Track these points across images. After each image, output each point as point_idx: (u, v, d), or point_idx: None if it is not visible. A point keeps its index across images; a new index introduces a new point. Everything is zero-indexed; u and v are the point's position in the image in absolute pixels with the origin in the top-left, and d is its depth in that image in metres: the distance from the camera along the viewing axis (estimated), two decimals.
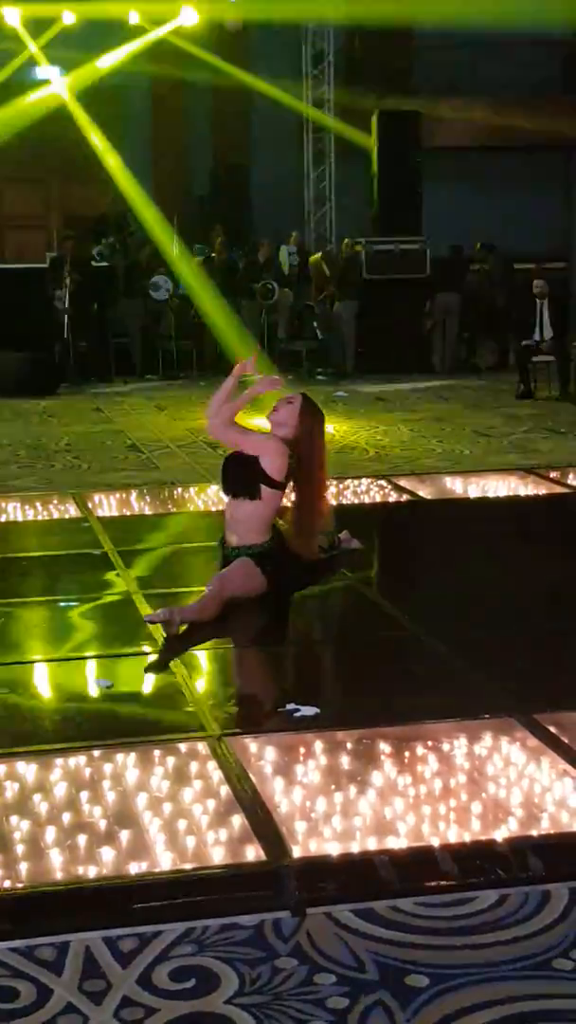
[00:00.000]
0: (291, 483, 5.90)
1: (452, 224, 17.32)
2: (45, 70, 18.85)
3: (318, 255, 16.79)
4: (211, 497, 8.17)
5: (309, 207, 19.12)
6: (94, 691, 4.89)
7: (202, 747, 4.22)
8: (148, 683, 5.05)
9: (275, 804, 3.80)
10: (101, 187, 19.13)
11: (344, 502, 8.14)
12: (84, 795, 3.86)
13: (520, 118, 20.27)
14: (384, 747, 4.17)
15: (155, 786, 3.93)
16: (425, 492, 8.52)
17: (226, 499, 5.99)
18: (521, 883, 3.40)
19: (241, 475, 5.83)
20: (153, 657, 5.25)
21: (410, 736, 4.25)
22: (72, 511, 8.00)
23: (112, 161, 17.50)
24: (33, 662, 5.25)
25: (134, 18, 17.82)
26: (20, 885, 3.38)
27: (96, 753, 4.17)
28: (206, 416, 6.07)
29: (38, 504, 8.18)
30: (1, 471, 9.70)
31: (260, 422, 6.23)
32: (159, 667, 5.14)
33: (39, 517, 7.91)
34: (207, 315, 15.63)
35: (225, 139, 20.30)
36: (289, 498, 5.96)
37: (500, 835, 3.60)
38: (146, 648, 5.35)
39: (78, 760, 4.12)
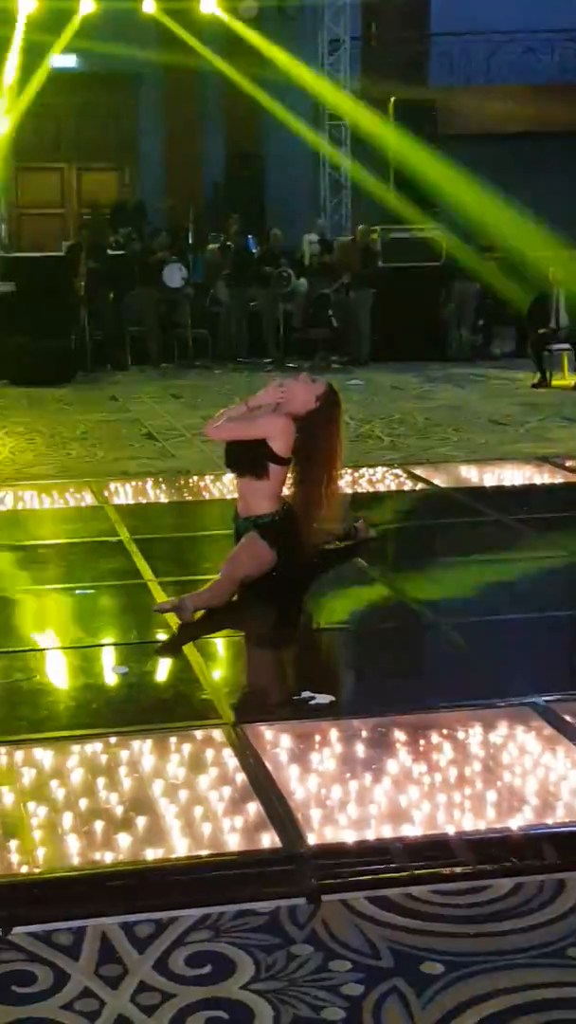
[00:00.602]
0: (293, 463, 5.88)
1: (469, 212, 17.25)
2: (63, 58, 18.84)
3: (347, 239, 16.74)
4: (227, 485, 8.16)
5: (325, 195, 19.08)
6: (110, 678, 4.91)
7: (218, 734, 4.23)
8: (164, 670, 5.07)
9: (290, 791, 3.81)
10: (118, 175, 19.17)
11: (359, 490, 8.14)
12: (100, 781, 3.88)
13: (537, 106, 20.21)
14: (399, 735, 4.18)
15: (171, 773, 3.94)
16: (441, 481, 8.52)
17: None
18: (536, 871, 3.40)
19: (246, 456, 5.83)
20: (169, 644, 5.26)
21: (425, 724, 4.26)
22: (88, 499, 8.01)
23: None
24: (50, 649, 5.27)
25: (149, 7, 17.77)
26: (37, 870, 3.40)
27: (112, 740, 4.19)
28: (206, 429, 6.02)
29: (54, 492, 8.19)
30: (18, 459, 9.72)
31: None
32: (174, 654, 5.16)
33: (55, 505, 7.93)
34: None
35: (240, 127, 20.27)
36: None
37: (515, 823, 3.60)
38: (162, 635, 5.36)
39: (94, 747, 4.14)
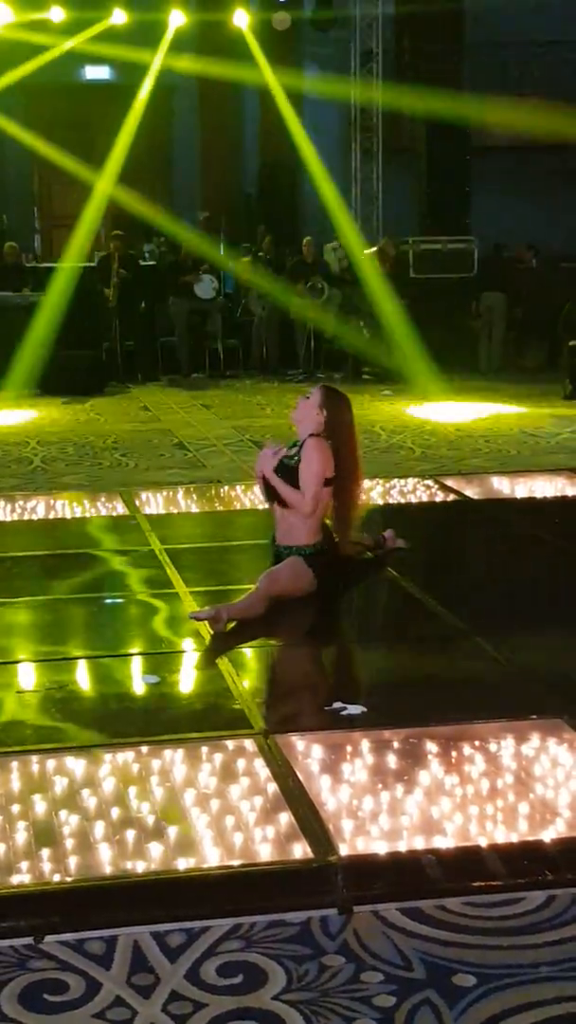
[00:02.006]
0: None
1: (500, 224, 17.25)
2: (96, 70, 18.91)
3: (373, 249, 16.73)
4: (257, 495, 8.16)
5: (356, 206, 19.07)
6: (141, 688, 4.92)
7: (249, 744, 4.23)
8: (195, 680, 5.08)
9: (322, 802, 3.81)
10: (150, 186, 19.18)
11: (391, 501, 8.14)
12: (132, 791, 3.89)
13: (570, 117, 20.15)
14: (431, 746, 4.17)
15: (203, 783, 3.95)
16: (472, 492, 8.50)
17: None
18: (569, 884, 3.39)
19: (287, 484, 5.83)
20: (200, 654, 5.27)
21: (457, 736, 4.25)
22: (120, 509, 8.04)
23: None
24: (81, 658, 5.28)
25: (179, 19, 17.81)
26: (69, 879, 3.41)
27: (144, 749, 4.19)
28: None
29: (86, 501, 8.23)
30: (49, 469, 9.77)
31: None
32: (206, 664, 5.16)
33: (87, 514, 7.96)
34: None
35: (273, 138, 20.29)
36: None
37: (548, 836, 3.59)
38: (193, 645, 5.37)
39: (126, 756, 4.15)
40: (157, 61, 17.76)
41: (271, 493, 5.93)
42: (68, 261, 16.29)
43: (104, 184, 17.28)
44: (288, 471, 5.85)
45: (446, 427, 11.58)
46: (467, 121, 17.38)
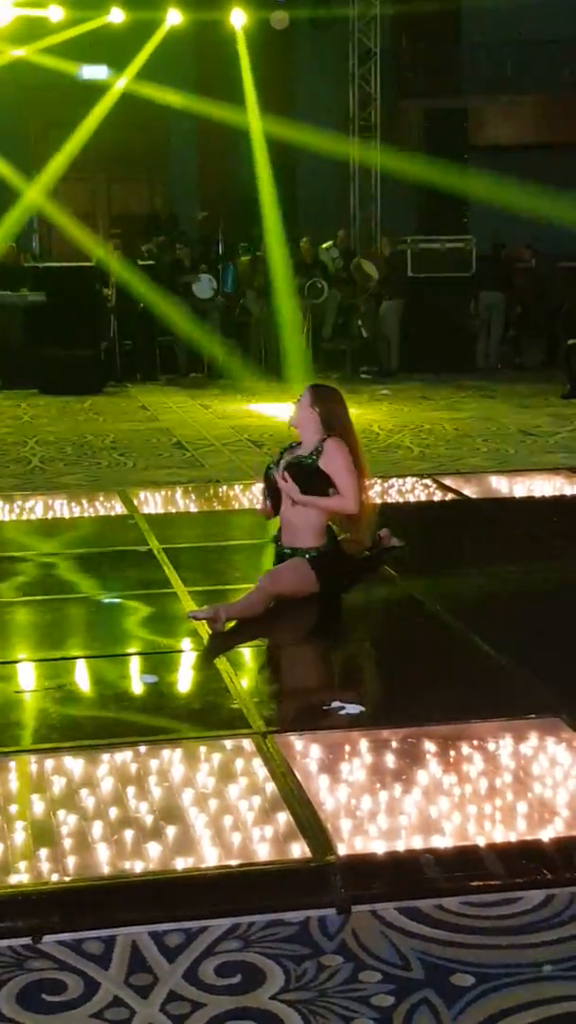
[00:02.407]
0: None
1: (499, 222, 17.25)
2: (92, 70, 18.90)
3: (358, 259, 16.75)
4: (256, 495, 8.18)
5: (355, 206, 19.09)
6: (139, 687, 4.91)
7: (247, 744, 4.23)
8: (193, 680, 5.08)
9: (320, 801, 3.80)
10: (148, 186, 19.23)
11: (389, 501, 8.14)
12: (130, 790, 3.89)
13: (567, 116, 20.17)
14: (429, 746, 4.17)
15: (201, 782, 3.95)
16: (470, 491, 8.50)
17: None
18: (567, 883, 3.39)
19: (311, 488, 5.82)
20: (199, 654, 5.27)
21: (455, 735, 4.25)
22: (118, 508, 8.04)
23: None
24: (79, 658, 5.28)
25: (175, 18, 17.80)
26: (68, 879, 3.40)
27: (142, 749, 4.19)
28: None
29: (84, 501, 8.23)
30: (48, 468, 9.76)
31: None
32: (205, 664, 5.16)
33: (85, 514, 7.96)
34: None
35: (270, 139, 20.31)
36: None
37: (546, 835, 3.59)
38: (191, 645, 5.37)
39: (124, 756, 4.15)
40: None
41: (276, 498, 5.90)
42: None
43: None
44: (306, 471, 5.83)
45: (444, 426, 11.57)
46: (465, 119, 17.39)
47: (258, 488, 8.03)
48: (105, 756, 4.14)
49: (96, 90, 19.13)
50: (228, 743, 4.24)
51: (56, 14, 17.11)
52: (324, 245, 17.09)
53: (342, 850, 3.52)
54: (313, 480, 5.80)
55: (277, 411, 12.08)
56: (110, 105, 18.10)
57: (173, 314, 15.63)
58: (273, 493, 5.97)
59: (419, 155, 17.23)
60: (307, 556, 5.82)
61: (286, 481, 5.79)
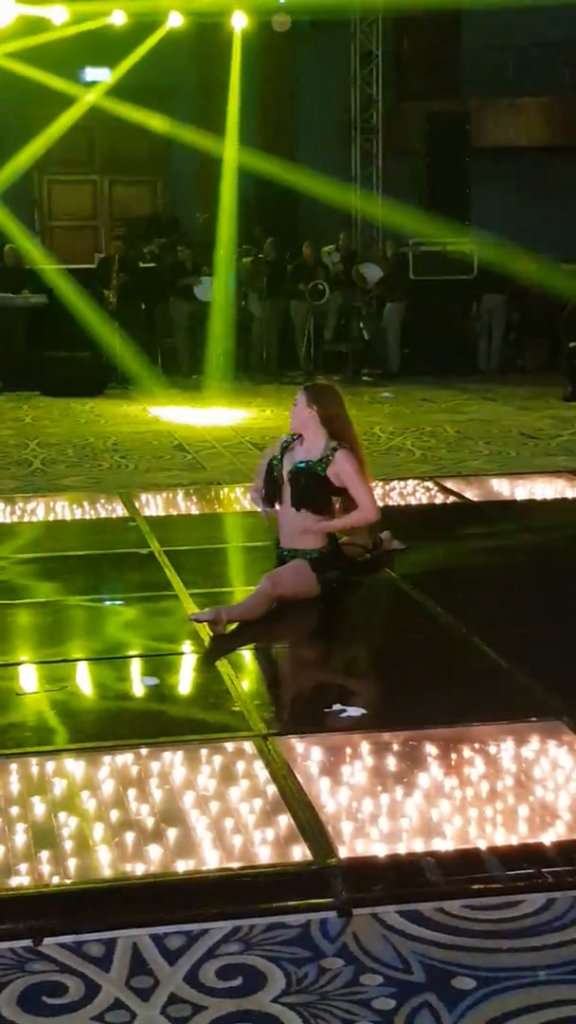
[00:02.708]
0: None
1: (500, 225, 17.24)
2: (94, 72, 18.91)
3: (358, 266, 16.75)
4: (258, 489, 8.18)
5: (357, 208, 19.07)
6: (140, 690, 4.91)
7: (248, 746, 4.23)
8: (195, 682, 5.08)
9: (321, 804, 3.80)
10: (150, 188, 19.23)
11: (390, 503, 8.14)
12: (131, 793, 3.88)
13: (569, 118, 20.15)
14: (430, 749, 4.17)
15: (202, 785, 3.95)
16: (472, 494, 8.50)
17: (279, 506, 5.99)
18: (569, 887, 3.38)
19: (316, 495, 5.82)
20: (200, 656, 5.27)
21: (457, 738, 4.25)
22: (119, 510, 8.04)
23: None
24: (80, 660, 5.28)
25: (176, 20, 17.79)
26: (69, 881, 3.40)
27: (143, 751, 4.19)
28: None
29: (85, 503, 8.23)
30: (49, 470, 9.76)
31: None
32: (206, 666, 5.16)
33: (86, 516, 7.96)
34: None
35: (272, 140, 20.31)
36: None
37: (548, 839, 3.59)
38: (192, 647, 5.37)
39: (125, 758, 4.15)
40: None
41: (294, 498, 5.89)
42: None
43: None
44: (316, 479, 5.82)
45: (445, 429, 11.56)
46: (466, 122, 17.38)
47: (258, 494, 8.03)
48: (106, 758, 4.14)
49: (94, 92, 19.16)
50: (229, 745, 4.24)
51: (60, 15, 17.11)
52: (325, 248, 17.09)
53: (343, 853, 3.52)
54: (319, 487, 5.81)
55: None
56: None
57: (175, 316, 15.67)
58: (272, 487, 5.96)
59: (421, 157, 17.24)
60: (308, 558, 5.82)
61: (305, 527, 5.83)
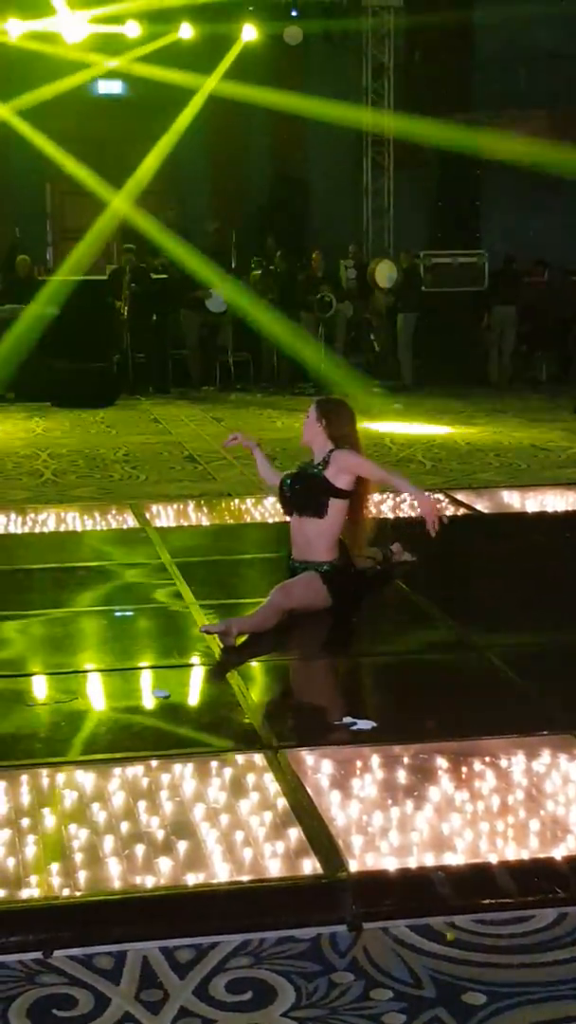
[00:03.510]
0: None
1: (511, 237, 17.27)
2: (108, 84, 18.99)
3: (374, 263, 16.74)
4: (268, 509, 8.19)
5: (368, 220, 19.11)
6: (151, 702, 4.91)
7: (259, 759, 4.23)
8: (205, 694, 5.07)
9: (332, 817, 3.80)
10: (161, 199, 19.25)
11: (400, 515, 8.13)
12: (142, 805, 3.88)
13: None
14: (441, 762, 4.16)
15: (212, 797, 3.94)
16: (482, 506, 8.49)
17: (289, 517, 6.02)
18: None
19: (313, 498, 5.84)
20: (210, 668, 5.27)
21: (467, 751, 4.24)
22: (130, 521, 8.05)
23: None
24: (91, 672, 5.28)
25: (186, 32, 17.85)
26: (79, 893, 3.40)
27: (153, 763, 4.19)
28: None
29: (96, 514, 8.23)
30: (60, 481, 9.78)
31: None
32: (216, 678, 5.16)
33: (97, 527, 7.96)
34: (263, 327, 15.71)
35: (284, 152, 20.36)
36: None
37: (559, 853, 3.57)
38: (203, 659, 5.36)
39: (136, 770, 4.14)
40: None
41: (291, 503, 5.93)
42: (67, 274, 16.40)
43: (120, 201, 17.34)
44: (312, 479, 5.85)
45: (456, 440, 11.56)
46: (478, 134, 17.42)
47: (270, 502, 8.05)
48: (116, 770, 4.14)
49: (109, 104, 19.24)
50: (240, 758, 4.23)
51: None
52: (343, 262, 17.12)
53: (353, 866, 3.51)
54: (313, 487, 5.82)
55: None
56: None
57: (186, 327, 15.71)
58: (285, 505, 6.01)
59: (432, 170, 17.28)
60: (320, 571, 5.82)
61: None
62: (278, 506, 6.30)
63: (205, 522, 8.19)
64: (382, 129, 18.73)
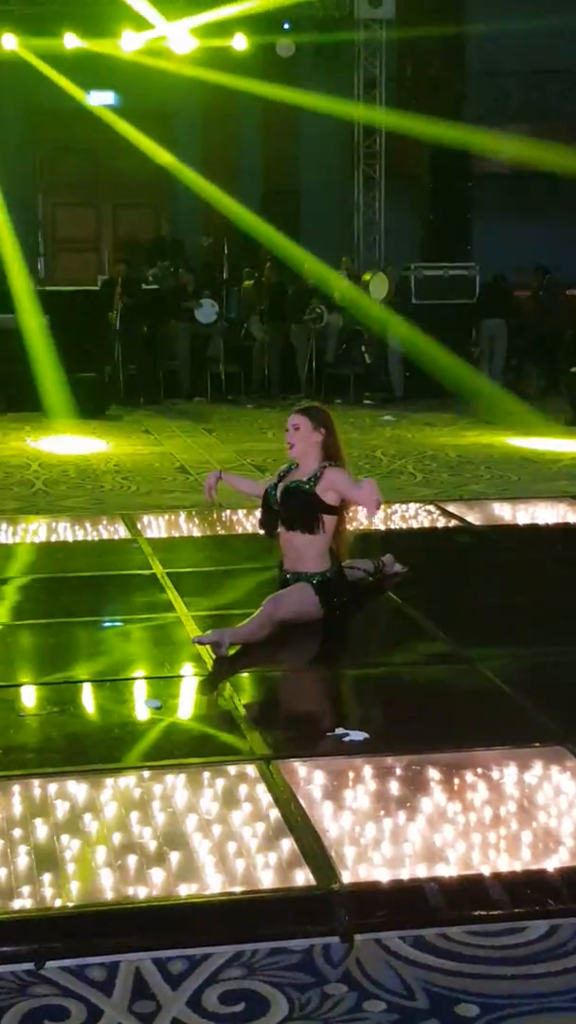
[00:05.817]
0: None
1: (501, 250, 17.31)
2: (101, 95, 19.03)
3: (369, 274, 16.76)
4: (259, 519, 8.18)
5: (359, 233, 19.15)
6: (143, 712, 4.91)
7: (251, 770, 4.22)
8: (197, 705, 5.07)
9: (324, 829, 3.79)
10: (153, 211, 19.29)
11: (392, 527, 8.14)
12: (134, 816, 3.87)
13: (571, 145, 20.23)
14: (433, 773, 4.16)
15: (204, 808, 3.94)
16: (473, 518, 8.50)
17: (263, 530, 6.04)
18: (572, 914, 3.37)
19: (304, 513, 5.83)
20: (202, 679, 5.26)
21: (460, 763, 4.24)
22: (121, 532, 8.04)
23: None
24: (83, 682, 5.27)
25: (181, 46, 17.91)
26: (71, 904, 3.39)
27: (146, 774, 4.18)
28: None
29: (87, 525, 8.23)
30: (51, 491, 9.77)
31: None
32: (208, 689, 5.16)
33: (88, 538, 7.96)
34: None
35: (275, 164, 20.39)
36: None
37: (551, 865, 3.58)
38: (195, 670, 5.36)
39: (128, 781, 4.14)
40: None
41: (281, 518, 5.92)
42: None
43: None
44: (304, 495, 5.84)
45: (447, 452, 11.58)
46: (469, 147, 17.48)
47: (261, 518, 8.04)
48: (108, 781, 4.13)
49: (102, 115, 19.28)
50: (232, 769, 4.23)
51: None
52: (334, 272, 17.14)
53: (346, 878, 3.51)
54: (305, 503, 5.82)
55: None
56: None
57: (177, 338, 15.70)
58: (268, 516, 5.99)
59: (423, 183, 17.32)
60: (312, 582, 5.83)
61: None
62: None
63: (196, 533, 8.20)
64: (374, 142, 18.79)
